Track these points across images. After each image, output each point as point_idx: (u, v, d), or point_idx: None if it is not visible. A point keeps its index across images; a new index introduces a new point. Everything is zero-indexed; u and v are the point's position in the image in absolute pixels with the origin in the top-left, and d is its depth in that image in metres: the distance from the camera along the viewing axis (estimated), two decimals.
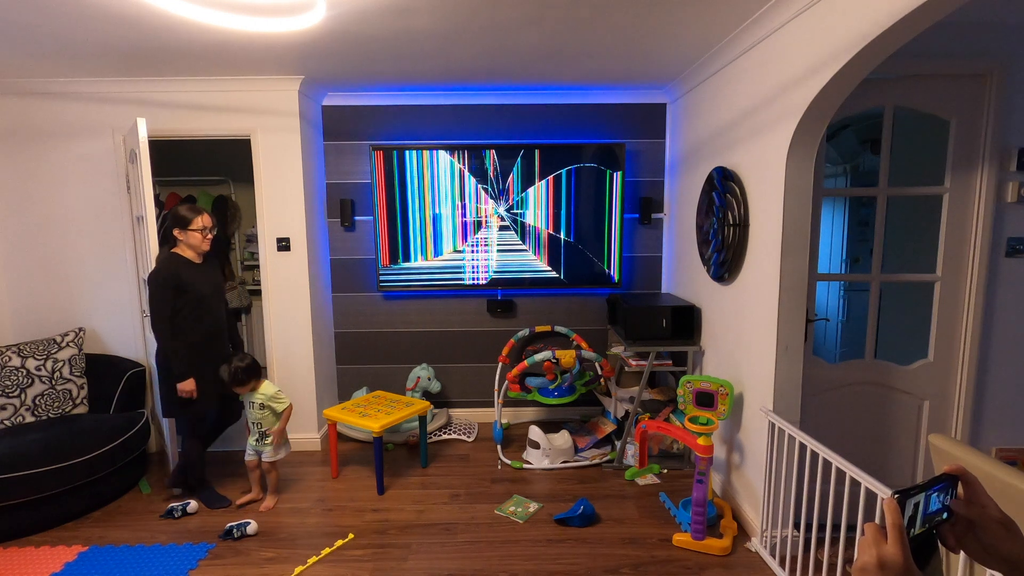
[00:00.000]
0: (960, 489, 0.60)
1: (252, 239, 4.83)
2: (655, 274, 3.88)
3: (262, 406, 2.76)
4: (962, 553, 0.61)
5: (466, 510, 2.79)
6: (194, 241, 2.68)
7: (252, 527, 2.59)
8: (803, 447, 2.14)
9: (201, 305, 2.70)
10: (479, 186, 3.64)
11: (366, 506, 2.84)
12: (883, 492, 1.66)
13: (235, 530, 2.56)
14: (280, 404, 2.78)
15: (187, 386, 2.64)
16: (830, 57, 1.91)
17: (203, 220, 2.69)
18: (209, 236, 2.72)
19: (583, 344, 3.70)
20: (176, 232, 2.66)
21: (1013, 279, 2.38)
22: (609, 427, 3.45)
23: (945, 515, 0.59)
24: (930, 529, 0.58)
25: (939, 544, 0.60)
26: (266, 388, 2.78)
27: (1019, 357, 2.42)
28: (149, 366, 3.31)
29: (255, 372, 2.77)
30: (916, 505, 0.57)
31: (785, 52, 2.21)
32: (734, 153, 2.71)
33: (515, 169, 3.62)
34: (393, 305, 3.86)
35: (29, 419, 2.97)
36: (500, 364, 3.75)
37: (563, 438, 3.32)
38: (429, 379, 3.72)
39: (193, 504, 2.80)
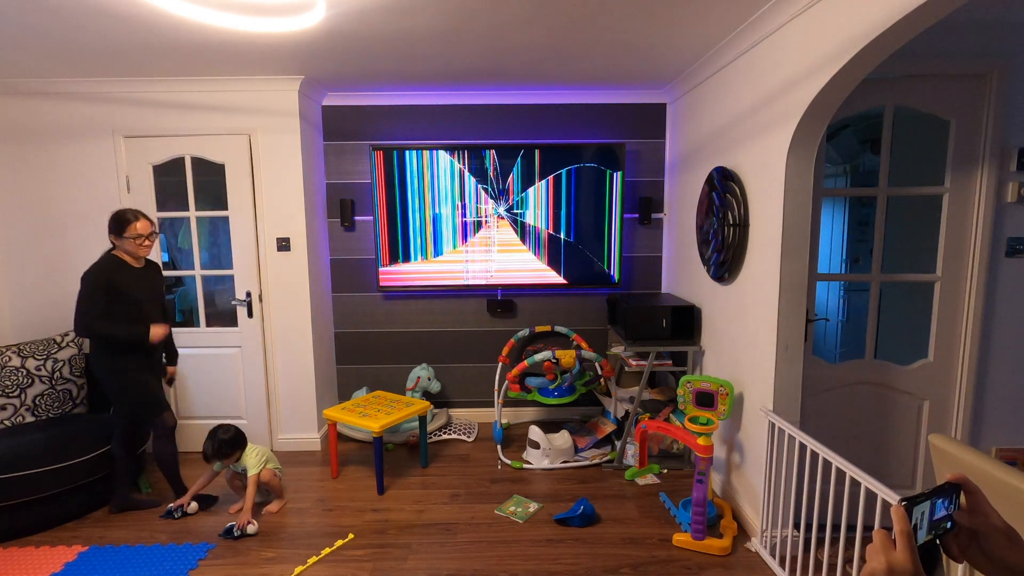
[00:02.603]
0: (963, 499, 0.60)
1: None
2: (655, 274, 3.88)
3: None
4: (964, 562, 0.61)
5: (466, 510, 2.79)
6: (129, 248, 2.57)
7: (252, 527, 2.59)
8: (803, 447, 2.14)
9: (137, 310, 2.60)
10: (479, 186, 3.64)
11: (366, 506, 2.84)
12: (883, 492, 1.66)
13: (235, 530, 2.56)
14: (250, 468, 2.72)
15: (158, 329, 2.60)
16: (830, 57, 1.91)
17: (140, 227, 2.56)
18: (147, 243, 2.59)
19: (583, 344, 3.70)
20: (111, 237, 2.57)
21: (1013, 279, 2.38)
22: (609, 427, 3.45)
23: (949, 525, 0.59)
24: (934, 538, 0.59)
25: (943, 553, 0.60)
26: (246, 457, 2.74)
27: (1019, 357, 2.42)
28: None
29: (239, 443, 2.74)
30: (922, 513, 0.57)
31: (785, 52, 2.22)
32: (734, 153, 2.70)
33: (515, 169, 3.62)
34: (393, 305, 3.86)
35: (29, 419, 2.97)
36: (500, 364, 3.75)
37: (563, 438, 3.32)
38: (429, 379, 3.72)
39: (193, 505, 2.80)
